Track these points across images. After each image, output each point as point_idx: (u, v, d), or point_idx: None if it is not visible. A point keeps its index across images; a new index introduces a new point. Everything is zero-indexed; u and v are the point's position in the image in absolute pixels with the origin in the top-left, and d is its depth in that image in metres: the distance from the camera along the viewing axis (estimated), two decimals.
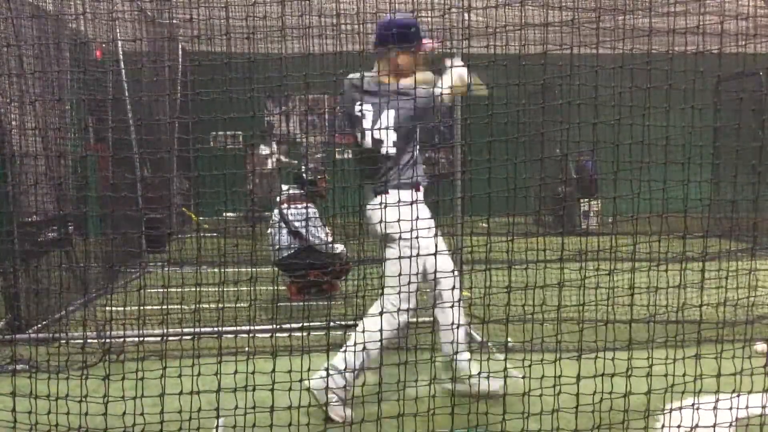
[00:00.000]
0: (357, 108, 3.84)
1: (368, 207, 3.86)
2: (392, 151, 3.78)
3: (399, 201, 3.40)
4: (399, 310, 3.52)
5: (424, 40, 3.87)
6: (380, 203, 3.74)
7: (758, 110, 3.82)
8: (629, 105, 3.27)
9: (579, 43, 3.66)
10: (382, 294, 3.67)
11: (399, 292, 3.45)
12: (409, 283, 3.45)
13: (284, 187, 7.08)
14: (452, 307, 3.56)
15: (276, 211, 6.70)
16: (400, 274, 3.44)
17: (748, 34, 3.90)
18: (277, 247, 6.48)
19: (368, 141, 3.81)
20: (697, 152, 3.54)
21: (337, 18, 3.59)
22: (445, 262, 3.69)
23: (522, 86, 3.12)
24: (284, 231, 6.54)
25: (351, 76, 3.88)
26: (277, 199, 6.89)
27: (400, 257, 3.48)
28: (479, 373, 3.61)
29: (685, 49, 3.25)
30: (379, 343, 3.45)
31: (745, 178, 3.70)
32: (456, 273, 3.78)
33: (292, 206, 6.55)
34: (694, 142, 3.46)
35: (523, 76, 3.17)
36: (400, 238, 3.56)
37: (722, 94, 4.08)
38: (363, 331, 3.63)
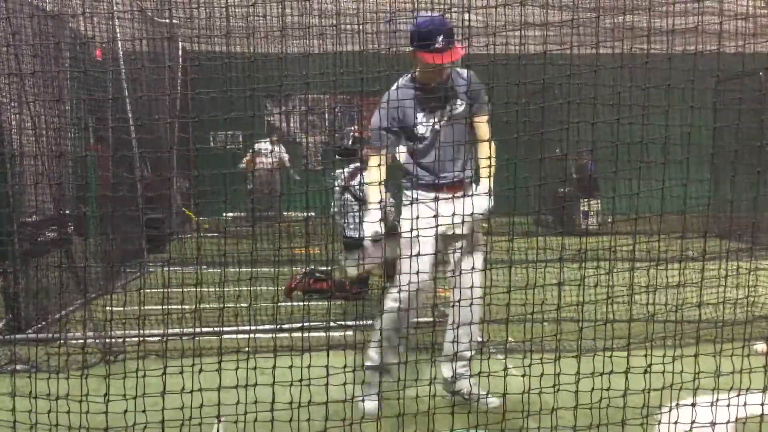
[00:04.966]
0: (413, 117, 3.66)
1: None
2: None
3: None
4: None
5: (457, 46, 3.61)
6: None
7: (758, 110, 3.82)
8: (628, 104, 3.27)
9: (579, 43, 3.65)
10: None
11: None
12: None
13: (338, 170, 6.82)
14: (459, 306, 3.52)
15: (339, 195, 6.49)
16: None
17: (747, 34, 3.90)
18: (352, 225, 6.24)
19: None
20: (697, 152, 3.54)
21: (337, 18, 3.59)
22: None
23: (522, 86, 3.11)
24: (356, 207, 6.26)
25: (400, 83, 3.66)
26: (337, 183, 6.63)
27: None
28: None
29: (684, 49, 3.26)
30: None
31: (745, 178, 3.69)
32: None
33: (357, 178, 6.32)
34: (694, 141, 3.45)
35: (523, 75, 3.16)
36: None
37: (722, 94, 4.08)
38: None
